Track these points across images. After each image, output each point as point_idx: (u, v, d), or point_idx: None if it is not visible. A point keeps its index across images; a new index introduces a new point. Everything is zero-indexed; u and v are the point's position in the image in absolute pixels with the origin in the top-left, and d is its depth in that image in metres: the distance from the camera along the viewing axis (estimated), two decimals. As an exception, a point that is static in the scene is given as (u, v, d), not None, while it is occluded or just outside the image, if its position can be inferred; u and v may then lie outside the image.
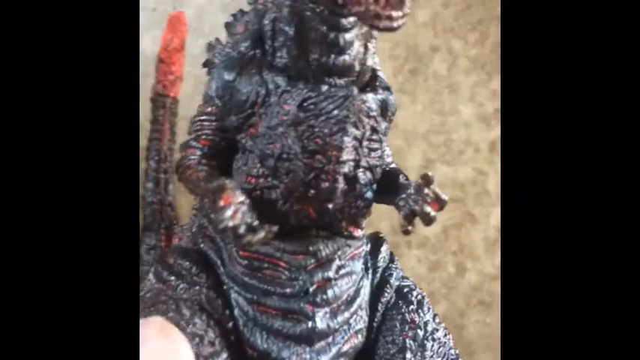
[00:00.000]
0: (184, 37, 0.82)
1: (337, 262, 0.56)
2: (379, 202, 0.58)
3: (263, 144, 0.53)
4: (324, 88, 0.52)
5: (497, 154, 1.02)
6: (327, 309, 0.55)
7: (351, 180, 0.54)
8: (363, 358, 0.58)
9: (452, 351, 0.59)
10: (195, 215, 0.61)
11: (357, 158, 0.54)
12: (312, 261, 0.55)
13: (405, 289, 0.61)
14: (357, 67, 0.53)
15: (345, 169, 0.53)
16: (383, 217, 0.94)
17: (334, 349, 0.55)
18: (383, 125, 0.56)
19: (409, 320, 0.58)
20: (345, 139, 0.52)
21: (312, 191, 0.53)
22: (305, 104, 0.52)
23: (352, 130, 0.52)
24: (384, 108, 0.56)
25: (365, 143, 0.54)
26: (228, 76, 0.54)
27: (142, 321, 0.49)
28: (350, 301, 0.57)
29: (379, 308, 0.60)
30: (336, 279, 0.55)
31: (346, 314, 0.56)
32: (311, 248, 0.55)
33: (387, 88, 0.57)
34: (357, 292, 0.58)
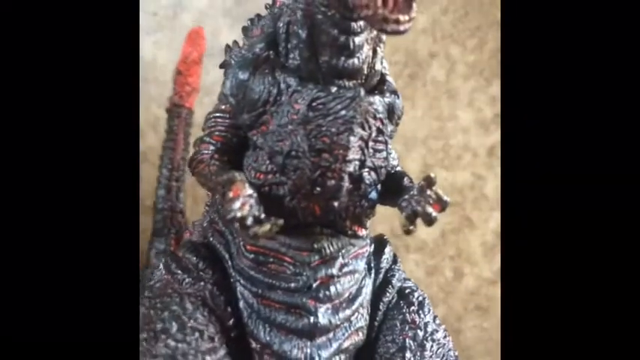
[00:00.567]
0: (203, 51, 0.85)
1: (341, 260, 0.57)
2: (383, 204, 0.59)
3: (273, 141, 0.54)
4: (334, 89, 0.53)
5: (496, 158, 1.02)
6: (329, 305, 0.56)
7: (357, 179, 0.55)
8: (363, 356, 0.59)
9: (451, 352, 0.59)
10: (207, 211, 0.63)
11: (363, 158, 0.55)
12: (317, 257, 0.56)
13: (407, 290, 0.62)
14: (366, 70, 0.54)
15: (351, 168, 0.54)
16: (382, 220, 0.94)
17: (335, 345, 0.56)
18: (389, 128, 0.58)
19: (410, 320, 0.59)
20: (352, 138, 0.53)
21: (319, 189, 0.54)
22: (314, 104, 0.53)
23: (359, 130, 0.54)
24: (391, 111, 0.58)
25: (371, 144, 0.55)
26: (242, 76, 0.56)
27: None
28: (352, 299, 0.57)
29: (381, 307, 0.61)
30: (339, 276, 0.56)
31: (348, 311, 0.57)
32: (316, 245, 0.56)
33: (394, 92, 0.58)
34: (359, 291, 0.58)
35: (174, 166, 0.86)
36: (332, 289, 0.56)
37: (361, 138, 0.54)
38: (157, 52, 0.99)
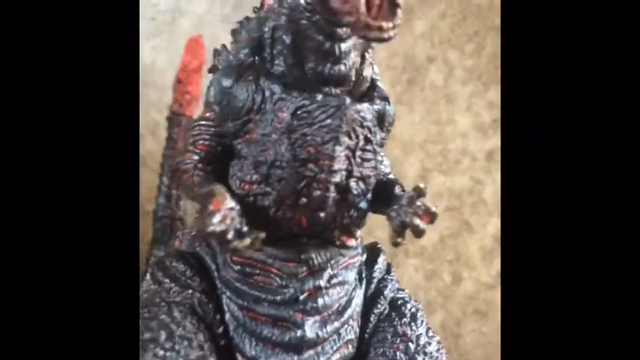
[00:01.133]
0: (203, 59, 0.84)
1: (329, 271, 0.56)
2: (374, 212, 0.58)
3: (257, 151, 0.53)
4: (319, 97, 0.52)
5: (494, 163, 1.02)
6: (316, 318, 0.55)
7: (343, 189, 0.54)
8: None
9: None
10: (195, 220, 0.61)
11: (350, 168, 0.53)
12: (304, 269, 0.55)
13: (399, 302, 0.60)
14: (354, 77, 0.53)
15: (337, 178, 0.53)
16: (380, 226, 0.94)
17: (323, 359, 0.55)
18: (379, 136, 0.56)
19: (401, 333, 0.58)
20: (337, 148, 0.52)
21: (304, 200, 0.53)
22: (299, 112, 0.52)
23: (345, 139, 0.52)
24: (381, 118, 0.57)
25: (358, 153, 0.54)
26: (226, 82, 0.55)
27: None
28: (341, 311, 0.56)
29: (372, 319, 0.59)
30: (327, 288, 0.55)
31: (336, 324, 0.56)
32: (303, 256, 0.55)
33: (385, 99, 0.57)
34: (348, 302, 0.57)
35: (174, 175, 0.85)
36: (320, 301, 0.55)
37: (348, 147, 0.53)
38: (156, 56, 0.99)
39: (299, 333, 0.54)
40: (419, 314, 0.60)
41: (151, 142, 0.96)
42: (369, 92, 0.56)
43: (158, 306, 0.54)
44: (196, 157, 0.56)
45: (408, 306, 0.60)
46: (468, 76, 1.03)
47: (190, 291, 0.56)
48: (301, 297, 0.54)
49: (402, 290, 0.63)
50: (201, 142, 0.57)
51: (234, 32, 0.61)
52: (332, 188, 0.53)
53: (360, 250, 0.60)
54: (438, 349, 0.58)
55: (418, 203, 0.52)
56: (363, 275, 0.61)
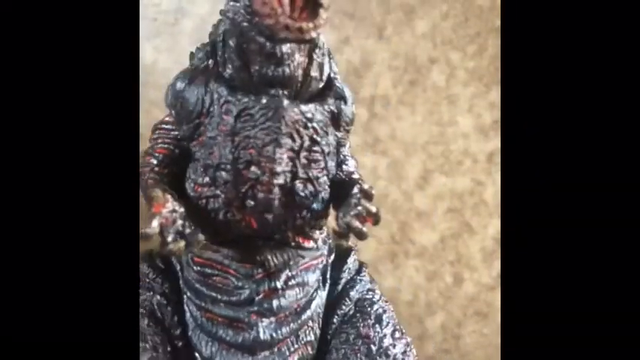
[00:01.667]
0: None
1: (287, 273, 0.56)
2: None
3: (206, 153, 0.54)
4: (264, 99, 0.52)
5: (495, 164, 1.02)
6: (272, 319, 0.55)
7: (288, 191, 0.54)
8: None
9: None
10: None
11: (295, 169, 0.53)
12: (260, 270, 0.55)
13: (366, 302, 0.60)
14: (300, 78, 0.53)
15: (281, 180, 0.53)
16: (380, 226, 0.94)
17: None
18: (331, 136, 0.56)
19: (364, 334, 0.57)
20: (278, 150, 0.52)
21: (250, 202, 0.53)
22: (242, 115, 0.52)
23: (286, 141, 0.52)
24: (336, 118, 0.56)
25: (303, 154, 0.54)
26: (179, 86, 0.56)
27: None
28: (299, 312, 0.56)
29: (335, 321, 0.59)
30: (284, 289, 0.56)
31: (293, 325, 0.56)
32: (259, 258, 0.55)
33: (341, 97, 0.57)
34: (308, 304, 0.57)
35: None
36: (275, 302, 0.55)
37: (291, 149, 0.53)
38: (158, 56, 0.99)
39: (252, 334, 0.54)
40: (385, 315, 0.59)
41: (153, 142, 0.96)
42: (324, 92, 0.56)
43: None
44: (154, 161, 0.57)
45: (375, 307, 0.60)
46: (469, 78, 1.03)
47: (151, 293, 0.56)
48: (256, 298, 0.55)
49: (372, 290, 0.62)
50: (160, 145, 0.58)
51: (209, 35, 0.61)
52: (276, 190, 0.53)
53: (324, 251, 0.60)
54: (405, 351, 0.57)
55: (359, 207, 0.52)
56: (327, 276, 0.60)
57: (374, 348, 0.56)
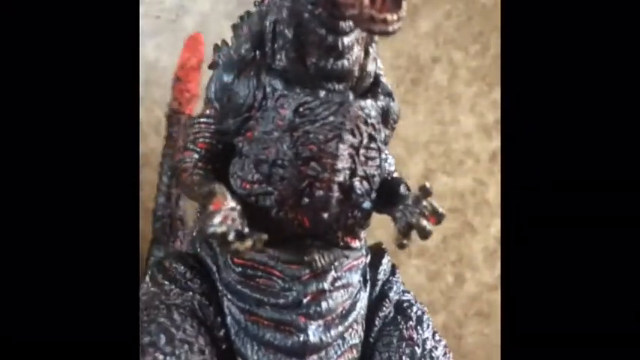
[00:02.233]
0: (202, 56, 0.83)
1: (333, 274, 0.54)
2: (379, 212, 0.56)
3: (258, 149, 0.51)
4: (322, 93, 0.51)
5: (497, 164, 1.02)
6: (320, 322, 0.53)
7: (347, 189, 0.52)
8: None
9: None
10: (197, 220, 0.60)
11: (353, 167, 0.52)
12: (307, 271, 0.53)
13: (405, 304, 0.59)
14: (357, 72, 0.52)
15: (341, 177, 0.51)
16: (380, 225, 0.94)
17: None
18: (383, 133, 0.55)
19: (407, 337, 0.56)
20: (341, 146, 0.51)
21: (307, 200, 0.51)
22: (301, 109, 0.50)
23: (348, 137, 0.51)
24: (386, 115, 0.55)
25: (362, 151, 0.52)
26: (227, 78, 0.54)
27: None
28: (345, 315, 0.55)
29: (377, 323, 0.58)
30: (331, 291, 0.54)
31: (340, 328, 0.54)
32: (306, 258, 0.53)
33: (389, 95, 0.55)
34: (353, 306, 0.56)
35: (173, 173, 0.83)
36: (323, 304, 0.53)
37: (351, 145, 0.51)
38: (160, 54, 0.99)
39: (302, 337, 0.52)
40: (425, 317, 0.58)
41: (155, 140, 0.96)
42: (372, 88, 0.55)
43: (157, 309, 0.53)
44: (196, 156, 0.55)
45: (414, 309, 0.59)
46: (472, 77, 1.03)
47: (190, 293, 0.54)
48: (304, 300, 0.53)
49: (407, 292, 0.61)
50: (201, 139, 0.55)
51: (234, 27, 0.59)
52: (335, 188, 0.51)
53: (364, 252, 0.59)
54: (445, 354, 0.57)
55: (424, 203, 0.51)
56: (368, 277, 0.59)
57: (418, 350, 0.55)
